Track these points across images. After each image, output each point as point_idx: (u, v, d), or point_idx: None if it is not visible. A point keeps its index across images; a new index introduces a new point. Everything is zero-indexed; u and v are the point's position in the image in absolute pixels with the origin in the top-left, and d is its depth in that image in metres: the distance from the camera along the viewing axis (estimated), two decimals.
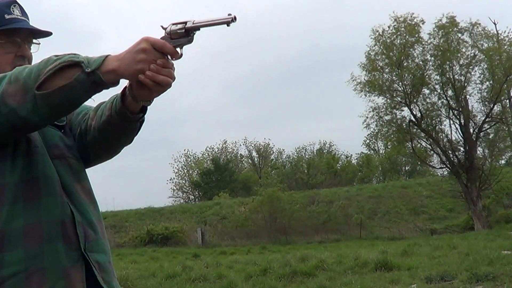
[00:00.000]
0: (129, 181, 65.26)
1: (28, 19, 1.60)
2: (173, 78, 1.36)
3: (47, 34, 1.61)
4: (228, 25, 1.33)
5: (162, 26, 1.38)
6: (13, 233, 1.35)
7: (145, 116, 1.54)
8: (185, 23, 1.36)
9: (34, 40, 1.61)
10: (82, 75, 1.28)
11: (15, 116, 1.30)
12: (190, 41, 1.37)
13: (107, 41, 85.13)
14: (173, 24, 1.37)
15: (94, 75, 1.28)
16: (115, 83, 1.34)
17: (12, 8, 1.56)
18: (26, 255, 1.34)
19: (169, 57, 1.35)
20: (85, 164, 1.61)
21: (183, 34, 1.36)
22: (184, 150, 55.57)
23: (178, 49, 1.37)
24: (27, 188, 1.39)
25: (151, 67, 1.31)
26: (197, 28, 1.35)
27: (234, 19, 1.32)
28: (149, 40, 1.31)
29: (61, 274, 1.37)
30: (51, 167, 1.46)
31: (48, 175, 1.43)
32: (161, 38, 1.36)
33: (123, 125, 1.51)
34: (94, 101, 1.49)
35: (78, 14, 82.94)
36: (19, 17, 1.56)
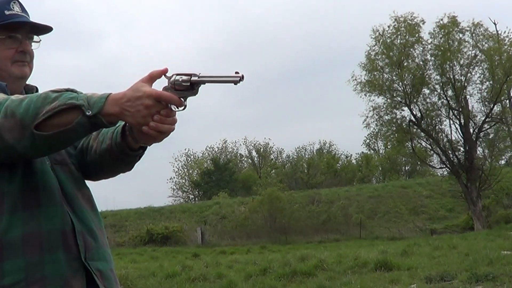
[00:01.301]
0: (129, 181, 65.25)
1: (28, 16, 1.59)
2: (175, 123, 1.35)
3: (47, 29, 1.60)
4: (235, 84, 1.30)
5: (165, 75, 1.34)
6: (12, 242, 1.33)
7: (145, 152, 1.53)
8: (191, 76, 1.32)
9: (35, 37, 1.60)
10: (83, 119, 1.26)
11: (13, 151, 1.29)
12: (195, 94, 1.34)
13: (110, 41, 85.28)
14: (177, 74, 1.33)
15: (95, 119, 1.26)
16: (115, 123, 1.33)
17: (12, 4, 1.56)
18: (27, 264, 1.33)
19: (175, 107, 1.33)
20: (83, 177, 1.61)
21: (188, 87, 1.33)
22: (185, 149, 55.61)
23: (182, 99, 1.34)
24: (26, 196, 1.38)
25: (155, 118, 1.29)
26: (202, 82, 1.33)
27: (242, 78, 1.29)
28: (152, 96, 1.28)
29: (62, 283, 1.36)
30: (51, 176, 1.44)
31: (47, 184, 1.42)
32: (164, 88, 1.33)
33: (122, 157, 1.51)
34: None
35: (80, 14, 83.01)
36: (19, 13, 1.56)
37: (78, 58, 78.49)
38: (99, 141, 1.53)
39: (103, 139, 1.52)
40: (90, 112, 1.25)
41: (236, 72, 1.29)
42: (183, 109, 1.34)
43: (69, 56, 78.28)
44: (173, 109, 1.33)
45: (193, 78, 1.32)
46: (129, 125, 1.43)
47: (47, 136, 1.26)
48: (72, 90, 1.32)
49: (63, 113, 1.25)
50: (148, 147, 1.50)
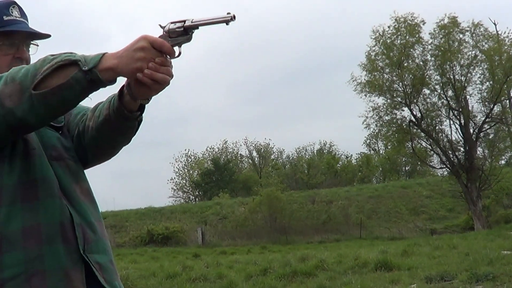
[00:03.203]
0: (129, 181, 65.29)
1: (27, 20, 1.58)
2: (171, 76, 1.36)
3: (45, 36, 1.61)
4: (227, 24, 1.32)
5: (160, 25, 1.38)
6: (11, 235, 1.34)
7: (143, 115, 1.53)
8: (184, 21, 1.35)
9: (32, 42, 1.60)
10: (79, 74, 1.27)
11: (12, 117, 1.29)
12: (189, 39, 1.37)
13: (114, 41, 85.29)
14: (172, 22, 1.37)
15: (91, 74, 1.27)
16: (113, 81, 1.33)
17: (11, 9, 1.55)
18: (26, 257, 1.33)
19: (168, 55, 1.35)
20: (83, 165, 1.60)
21: (182, 33, 1.35)
22: (185, 150, 55.66)
23: (176, 48, 1.36)
24: (25, 190, 1.38)
25: (150, 65, 1.31)
26: (195, 26, 1.35)
27: (233, 18, 1.31)
28: (147, 39, 1.30)
29: (62, 275, 1.36)
30: (49, 169, 1.45)
31: (46, 177, 1.42)
32: (159, 37, 1.35)
33: (121, 124, 1.50)
34: (91, 100, 1.48)
35: (84, 14, 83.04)
36: (17, 18, 1.55)
37: None
38: (95, 116, 1.53)
39: (100, 113, 1.52)
40: (86, 67, 1.27)
41: (228, 13, 1.32)
42: (178, 56, 1.37)
43: None
44: (168, 58, 1.34)
45: (187, 23, 1.35)
46: (126, 84, 1.43)
47: (44, 94, 1.26)
48: (71, 53, 1.33)
49: (60, 70, 1.27)
50: (146, 106, 1.49)
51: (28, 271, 1.33)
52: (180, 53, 1.37)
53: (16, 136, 1.39)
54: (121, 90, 1.47)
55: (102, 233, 1.52)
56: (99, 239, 1.48)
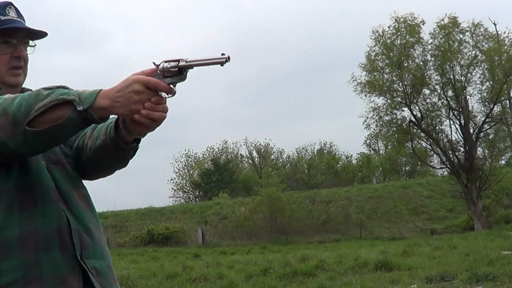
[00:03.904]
0: (130, 181, 65.28)
1: (24, 21, 1.59)
2: (167, 111, 1.36)
3: (42, 34, 1.61)
4: (222, 65, 1.32)
5: (154, 63, 1.37)
6: (8, 241, 1.34)
7: (139, 145, 1.54)
8: (178, 61, 1.34)
9: (30, 42, 1.61)
10: (73, 114, 1.27)
11: (5, 148, 1.31)
12: (183, 79, 1.36)
13: (114, 42, 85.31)
14: (166, 61, 1.36)
15: (86, 113, 1.28)
16: (106, 119, 1.34)
17: (8, 9, 1.55)
18: (23, 263, 1.33)
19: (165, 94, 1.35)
20: (81, 177, 1.62)
21: (176, 73, 1.35)
22: (185, 150, 55.64)
23: (171, 86, 1.36)
24: (22, 196, 1.38)
25: (146, 106, 1.31)
26: (190, 67, 1.35)
27: (228, 59, 1.31)
28: (140, 81, 1.31)
29: (59, 281, 1.36)
30: (46, 175, 1.45)
31: (43, 183, 1.43)
32: (153, 76, 1.35)
33: (116, 152, 1.51)
34: None
35: (83, 15, 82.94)
36: (14, 18, 1.55)
37: (82, 59, 78.47)
38: (94, 138, 1.54)
39: (98, 136, 1.53)
40: (81, 107, 1.27)
41: (222, 54, 1.32)
42: (173, 95, 1.36)
43: (73, 57, 78.31)
44: (164, 96, 1.35)
45: (181, 63, 1.35)
46: (122, 118, 1.43)
47: (39, 132, 1.27)
48: (64, 87, 1.34)
49: (55, 109, 1.27)
50: (142, 139, 1.51)
51: (25, 277, 1.33)
52: (175, 93, 1.36)
53: (9, 161, 1.39)
54: (117, 122, 1.47)
55: (100, 238, 1.53)
56: (96, 244, 1.49)
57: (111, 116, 1.39)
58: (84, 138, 1.58)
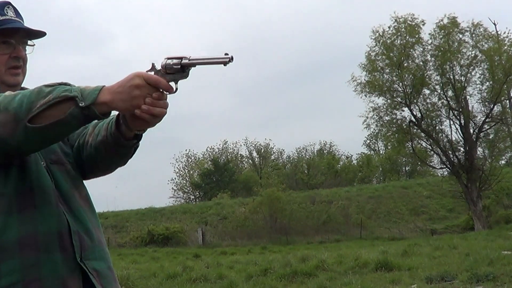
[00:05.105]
0: (130, 181, 65.27)
1: (22, 20, 1.59)
2: (167, 107, 1.37)
3: (41, 34, 1.61)
4: (225, 65, 1.33)
5: (153, 64, 1.37)
6: (8, 244, 1.34)
7: (140, 142, 1.54)
8: (181, 59, 1.35)
9: (29, 42, 1.61)
10: (76, 110, 1.27)
11: (5, 145, 1.30)
12: (185, 76, 1.37)
13: (118, 43, 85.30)
14: (168, 58, 1.36)
15: (88, 110, 1.28)
16: (108, 115, 1.34)
17: (6, 9, 1.55)
18: (23, 265, 1.33)
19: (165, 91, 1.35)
20: (81, 176, 1.61)
21: (179, 70, 1.35)
22: (185, 150, 55.63)
23: (172, 83, 1.36)
24: (21, 198, 1.38)
25: (147, 101, 1.32)
26: (193, 65, 1.35)
27: (231, 60, 1.31)
28: (142, 76, 1.31)
29: (59, 283, 1.36)
30: (46, 176, 1.45)
31: (42, 185, 1.42)
32: (156, 72, 1.35)
33: (117, 149, 1.51)
34: None
35: (89, 16, 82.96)
36: (13, 18, 1.55)
37: (86, 60, 78.51)
38: (95, 134, 1.54)
39: (98, 132, 1.53)
40: (84, 104, 1.27)
41: (226, 54, 1.31)
42: (174, 92, 1.37)
43: (77, 57, 78.34)
44: (165, 92, 1.35)
45: (184, 61, 1.34)
46: (122, 116, 1.43)
47: (40, 128, 1.27)
48: (66, 84, 1.33)
49: (57, 105, 1.27)
50: (142, 136, 1.51)
51: (24, 280, 1.33)
52: (176, 89, 1.37)
53: (10, 160, 1.39)
54: (118, 118, 1.47)
55: (100, 239, 1.52)
56: (96, 246, 1.48)
57: (112, 113, 1.40)
58: (85, 136, 1.58)
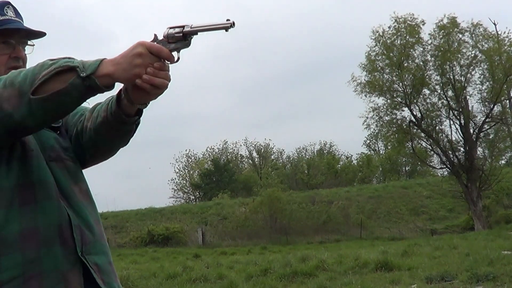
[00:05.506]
0: (130, 181, 65.27)
1: (22, 20, 1.59)
2: (169, 80, 1.36)
3: (41, 34, 1.61)
4: (226, 30, 1.32)
5: (155, 34, 1.37)
6: (9, 238, 1.34)
7: (141, 118, 1.53)
8: (183, 27, 1.35)
9: (28, 42, 1.61)
10: (77, 80, 1.27)
11: (10, 120, 1.30)
12: (187, 45, 1.37)
13: (119, 42, 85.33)
14: (170, 27, 1.37)
15: (89, 80, 1.27)
16: (110, 87, 1.33)
17: (6, 9, 1.55)
18: (24, 259, 1.34)
19: (166, 61, 1.35)
20: (81, 165, 1.61)
21: (181, 38, 1.35)
22: (185, 150, 55.61)
23: (175, 53, 1.36)
24: (22, 192, 1.39)
25: (148, 71, 1.31)
26: (195, 32, 1.35)
27: (232, 25, 1.31)
28: (144, 45, 1.31)
29: (60, 277, 1.36)
30: (47, 171, 1.45)
31: (43, 179, 1.43)
32: (158, 42, 1.35)
33: (118, 127, 1.50)
34: (89, 104, 1.49)
35: (90, 16, 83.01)
36: (12, 18, 1.55)
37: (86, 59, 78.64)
38: (93, 117, 1.54)
39: (98, 115, 1.52)
40: (84, 74, 1.27)
41: (227, 19, 1.32)
42: (177, 61, 1.37)
43: (77, 57, 78.21)
44: (167, 63, 1.35)
45: (186, 29, 1.35)
46: (124, 88, 1.43)
47: (43, 99, 1.27)
48: (69, 58, 1.34)
49: (58, 76, 1.27)
50: (143, 110, 1.49)
51: (25, 274, 1.33)
52: (178, 59, 1.37)
53: (14, 138, 1.39)
54: (119, 94, 1.47)
55: (101, 234, 1.52)
56: (97, 241, 1.49)
57: (112, 94, 1.40)
58: (83, 122, 1.58)
